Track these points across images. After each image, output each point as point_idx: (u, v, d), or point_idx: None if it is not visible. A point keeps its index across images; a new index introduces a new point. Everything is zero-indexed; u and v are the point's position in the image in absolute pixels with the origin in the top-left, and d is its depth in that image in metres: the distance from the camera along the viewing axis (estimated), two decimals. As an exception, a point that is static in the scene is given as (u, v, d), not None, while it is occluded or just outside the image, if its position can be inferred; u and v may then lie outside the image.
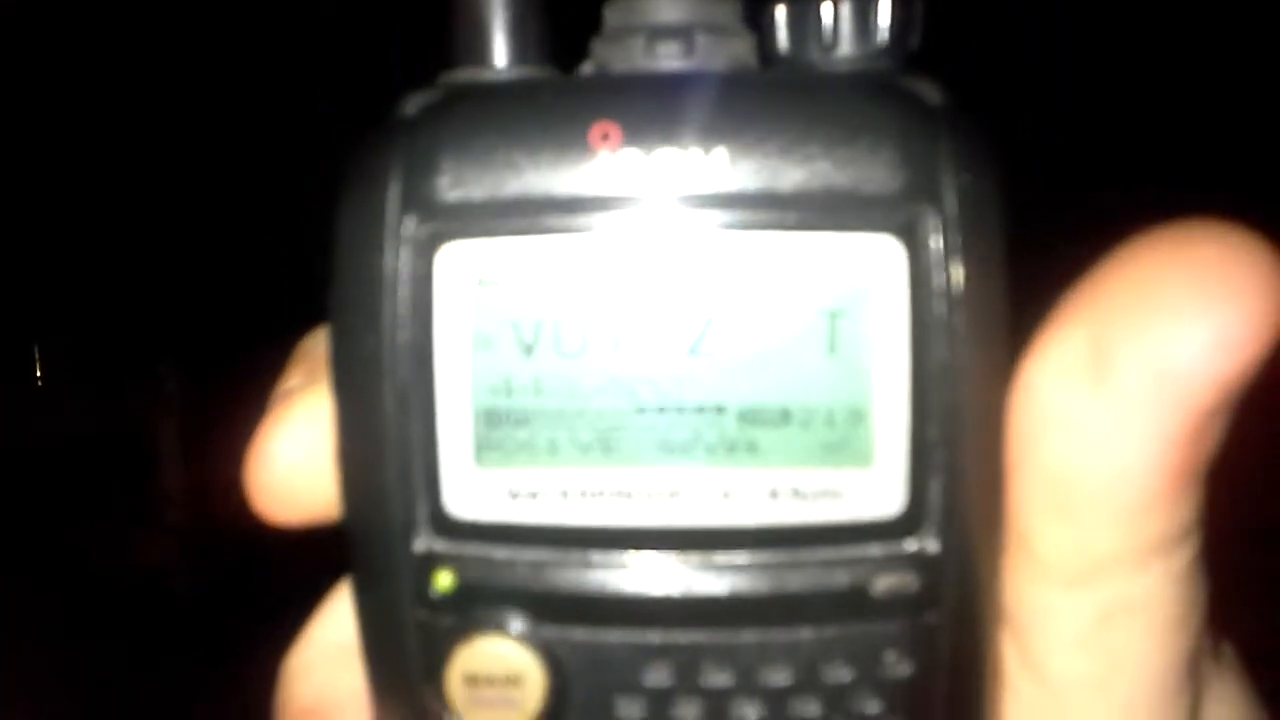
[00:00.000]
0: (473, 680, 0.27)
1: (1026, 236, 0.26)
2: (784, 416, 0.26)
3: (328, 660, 0.30)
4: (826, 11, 0.27)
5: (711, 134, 0.25)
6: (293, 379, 0.30)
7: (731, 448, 0.26)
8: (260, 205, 1.58)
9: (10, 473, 1.60)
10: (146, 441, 1.71)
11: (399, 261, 0.26)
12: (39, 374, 1.69)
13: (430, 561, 0.27)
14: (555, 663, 0.27)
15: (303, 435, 0.29)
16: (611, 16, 0.28)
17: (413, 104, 0.27)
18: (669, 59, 0.27)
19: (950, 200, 0.25)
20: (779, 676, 0.26)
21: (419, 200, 0.26)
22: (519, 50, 0.28)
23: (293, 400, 0.29)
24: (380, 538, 0.27)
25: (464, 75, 0.28)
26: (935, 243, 0.25)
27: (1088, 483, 0.24)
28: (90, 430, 1.70)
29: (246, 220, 1.59)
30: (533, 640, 0.27)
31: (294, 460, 0.29)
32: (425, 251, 0.26)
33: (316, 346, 0.31)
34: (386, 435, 0.26)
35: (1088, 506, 0.24)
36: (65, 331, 1.69)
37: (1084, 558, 0.25)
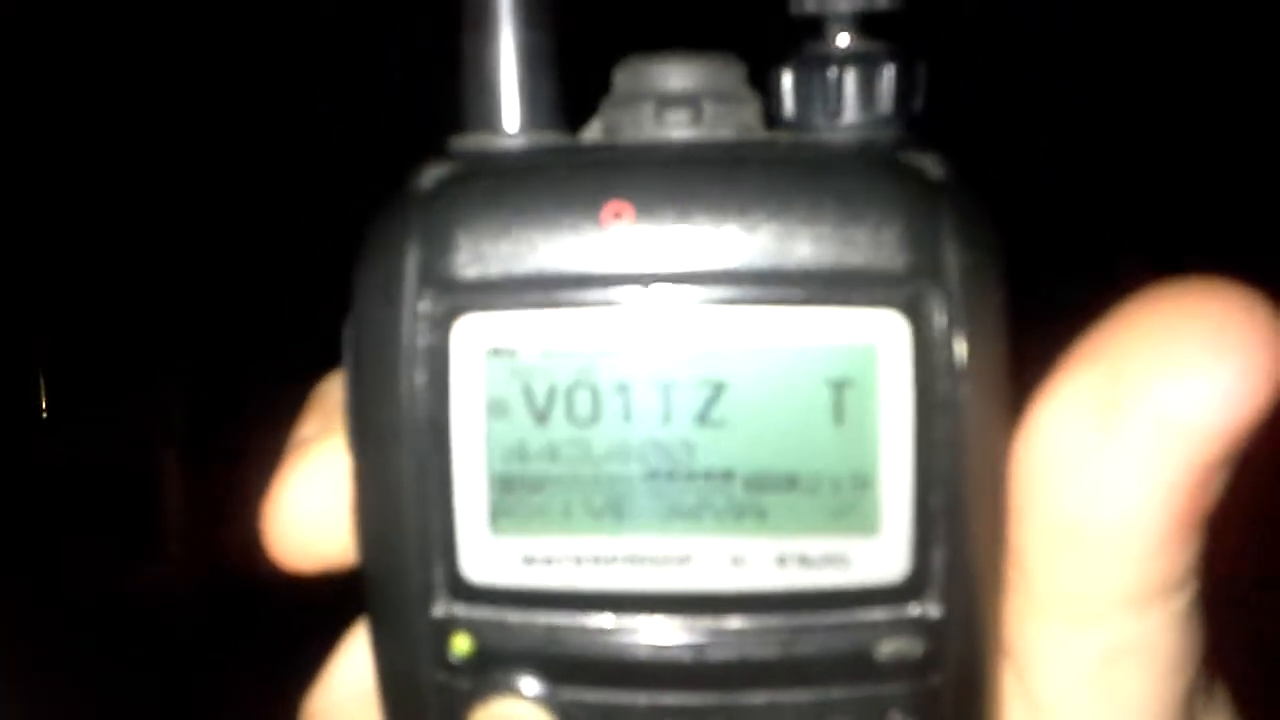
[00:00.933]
0: (490, 741, 0.27)
1: (1026, 297, 0.27)
2: (791, 483, 0.27)
3: (349, 706, 0.31)
4: (831, 78, 0.27)
5: (722, 212, 0.26)
6: (308, 426, 0.31)
7: (740, 514, 0.27)
8: (264, 235, 1.58)
9: (8, 500, 1.60)
10: (147, 471, 1.72)
11: (416, 335, 0.26)
12: (43, 403, 1.69)
13: (448, 625, 0.27)
14: None
15: (320, 484, 0.30)
16: (621, 81, 0.29)
17: (428, 177, 0.27)
18: (678, 127, 0.28)
19: (952, 276, 0.25)
20: None
21: (436, 276, 0.26)
22: (531, 115, 0.29)
23: (309, 449, 0.30)
24: (399, 602, 0.28)
25: (475, 141, 0.29)
26: (938, 318, 0.25)
27: (1094, 526, 0.25)
28: (90, 459, 1.69)
29: (250, 250, 1.60)
30: (548, 702, 0.27)
31: (311, 509, 0.30)
32: (442, 325, 0.26)
33: (331, 393, 0.31)
34: (404, 504, 0.27)
35: (1094, 550, 0.25)
36: (68, 359, 1.69)
37: (1089, 600, 0.26)
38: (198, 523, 1.69)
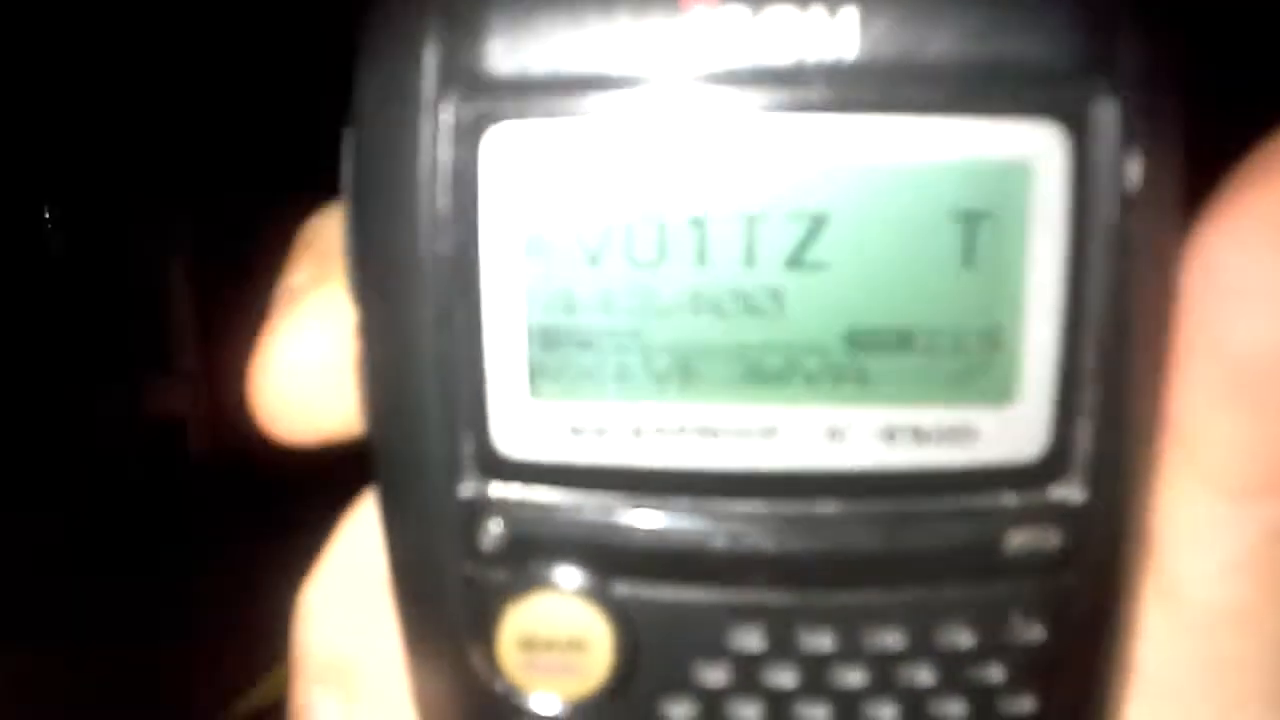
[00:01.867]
0: (529, 643, 0.23)
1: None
2: (903, 341, 0.21)
3: (350, 600, 0.27)
4: None
5: None
6: (299, 273, 0.26)
7: (839, 378, 0.22)
8: (266, 44, 1.50)
9: (16, 323, 1.56)
10: (156, 284, 1.67)
11: (437, 148, 0.21)
12: (48, 222, 1.63)
13: (478, 508, 0.22)
14: (625, 624, 0.23)
15: (314, 340, 0.24)
16: None
17: None
18: None
19: (1130, 75, 0.20)
20: (889, 641, 0.22)
21: (462, 72, 0.20)
22: None
23: (301, 299, 0.25)
24: (418, 480, 0.23)
25: None
26: (1109, 129, 0.20)
27: (1277, 370, 0.21)
28: (98, 275, 1.65)
29: (250, 56, 1.52)
30: (599, 598, 0.23)
31: (306, 371, 0.24)
32: (470, 136, 0.21)
33: (323, 232, 0.26)
34: (423, 362, 0.22)
35: (1273, 398, 0.21)
36: (72, 176, 1.63)
37: (1265, 463, 0.21)
38: (209, 335, 1.67)
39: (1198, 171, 0.21)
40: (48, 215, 1.63)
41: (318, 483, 0.29)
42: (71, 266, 1.65)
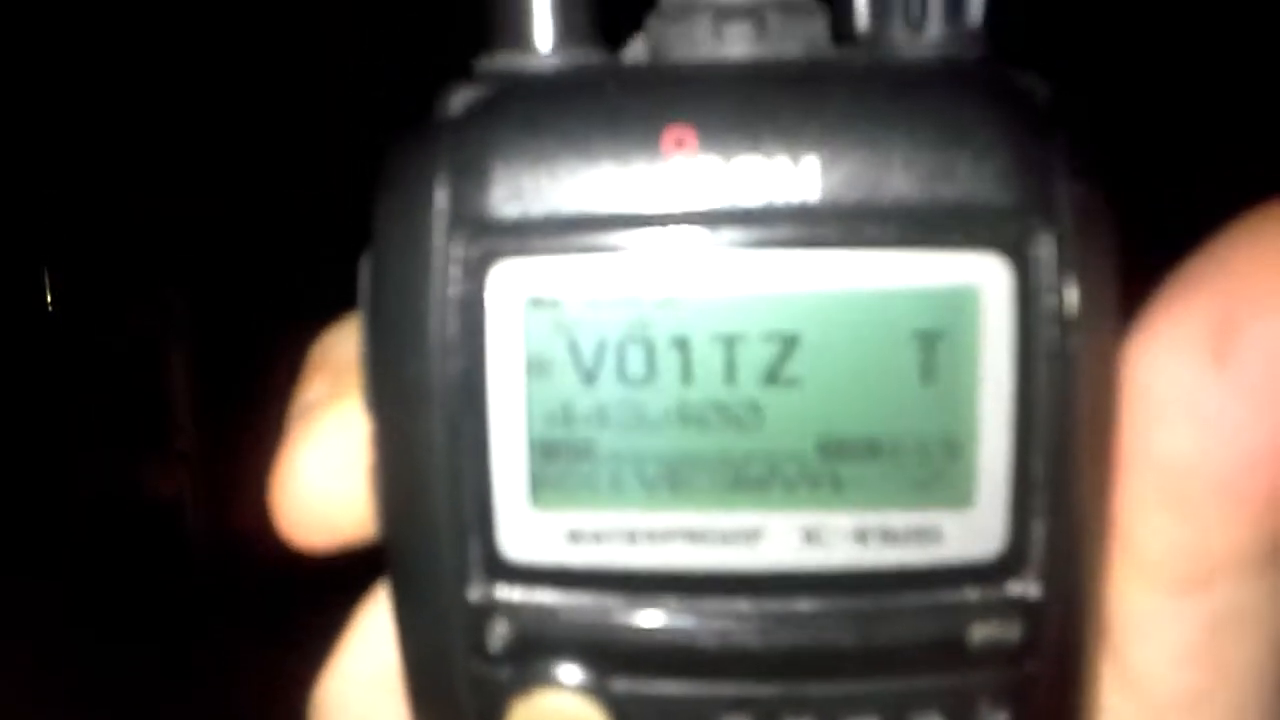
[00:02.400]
0: (533, 737, 0.25)
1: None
2: (873, 449, 0.24)
3: (364, 696, 0.28)
4: None
5: (800, 139, 0.22)
6: (313, 389, 0.28)
7: (815, 484, 0.24)
8: (265, 128, 1.54)
9: (15, 397, 1.57)
10: (155, 366, 1.69)
11: (448, 283, 0.23)
12: (49, 299, 1.66)
13: (484, 609, 0.24)
14: (623, 717, 0.24)
15: (333, 454, 0.26)
16: None
17: (457, 101, 0.24)
18: (739, 43, 0.24)
19: (1064, 213, 0.22)
20: None
21: (469, 215, 0.23)
22: (566, 31, 0.25)
23: (317, 414, 0.27)
24: (429, 583, 0.24)
25: (505, 62, 0.25)
26: (1048, 261, 0.22)
27: (1207, 474, 0.22)
28: (97, 354, 1.67)
29: (253, 144, 1.56)
30: (597, 694, 0.24)
31: (325, 481, 0.26)
32: (477, 271, 0.23)
33: (336, 348, 0.28)
34: (434, 473, 0.24)
35: (1206, 501, 0.23)
36: (72, 255, 1.66)
37: (1198, 560, 0.23)
38: (206, 417, 1.68)
39: (1132, 293, 0.23)
40: (49, 295, 1.65)
41: (316, 569, 0.31)
42: (70, 347, 1.67)
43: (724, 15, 0.24)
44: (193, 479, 1.68)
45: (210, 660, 1.39)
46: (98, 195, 1.60)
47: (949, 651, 0.24)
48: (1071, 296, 0.22)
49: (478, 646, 0.24)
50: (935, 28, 0.24)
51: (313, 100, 1.51)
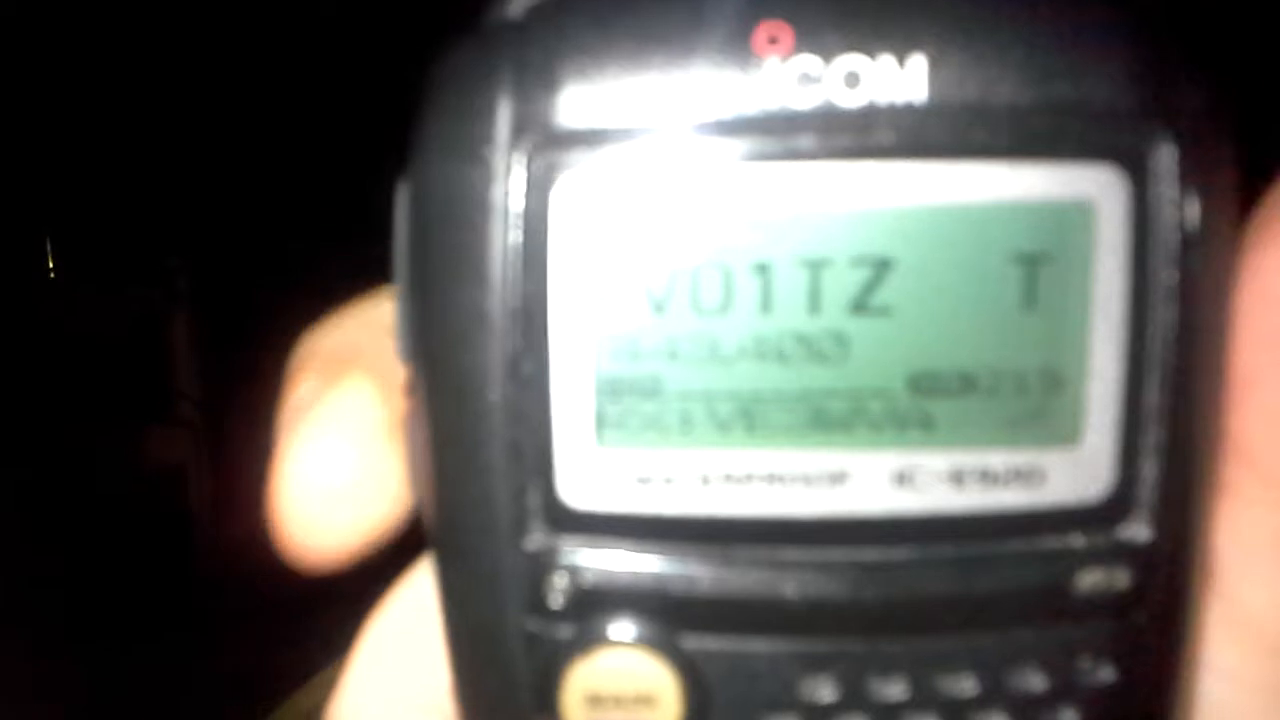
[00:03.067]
0: (596, 700, 0.22)
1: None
2: (967, 384, 0.22)
3: (379, 714, 0.26)
4: None
5: (908, 38, 0.20)
6: (304, 384, 0.25)
7: (904, 423, 0.22)
8: (273, 99, 1.50)
9: (19, 368, 1.53)
10: (158, 335, 1.66)
11: (509, 198, 0.21)
12: (51, 268, 1.62)
13: (544, 561, 0.22)
14: (694, 677, 0.22)
15: (335, 454, 0.24)
16: None
17: (518, 1, 0.21)
18: None
19: (1187, 122, 0.20)
20: (962, 687, 0.22)
21: (534, 124, 0.21)
22: None
23: (310, 410, 0.24)
24: (481, 537, 0.22)
25: None
26: (1168, 173, 0.20)
27: None
28: (100, 325, 1.64)
29: (256, 110, 1.52)
30: (667, 652, 0.22)
31: (329, 481, 0.24)
32: (540, 185, 0.21)
33: (322, 341, 0.25)
34: (488, 412, 0.22)
35: None
36: (75, 225, 1.62)
37: None
38: (209, 386, 1.66)
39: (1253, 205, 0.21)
40: (51, 265, 1.62)
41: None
42: (73, 316, 1.64)
43: None
44: (195, 447, 1.66)
45: (212, 631, 1.37)
46: (100, 165, 1.56)
47: (1051, 602, 0.22)
48: (1193, 211, 0.20)
49: (536, 603, 0.22)
50: None
51: (316, 70, 1.47)
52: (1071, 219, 0.21)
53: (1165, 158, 0.20)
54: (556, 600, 0.22)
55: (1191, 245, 0.21)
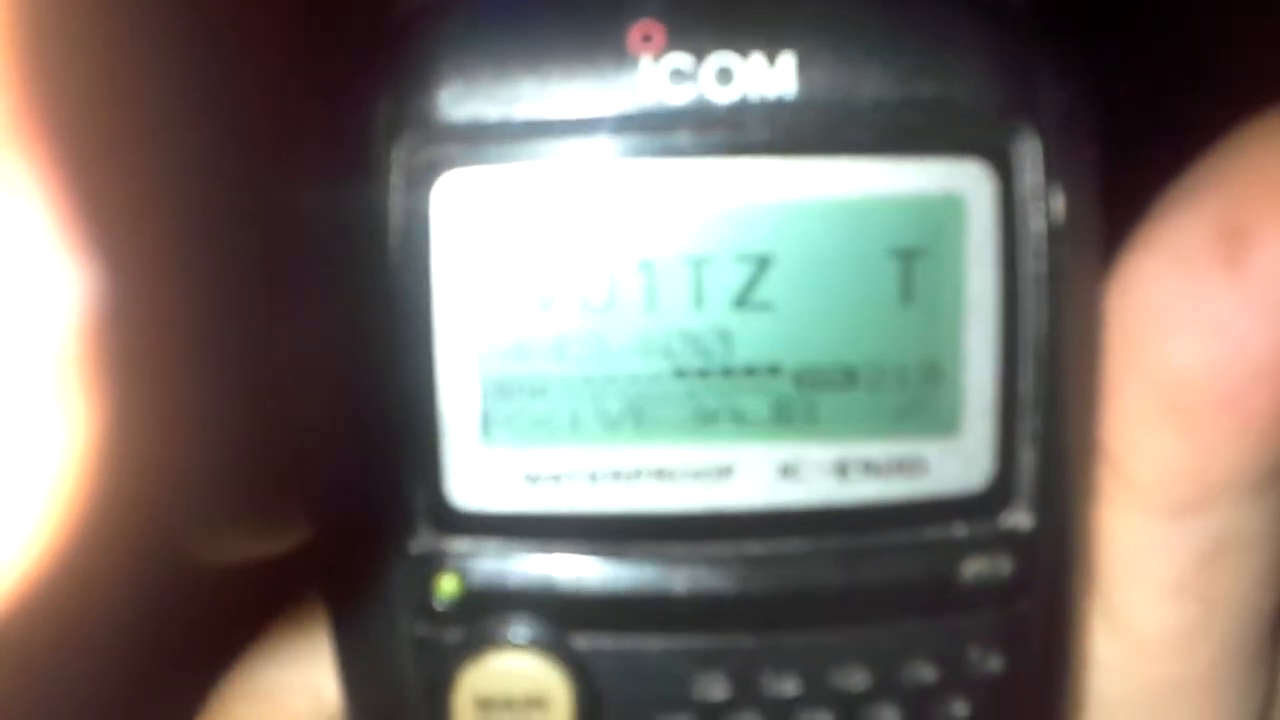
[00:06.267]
0: (486, 704, 0.22)
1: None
2: (849, 377, 0.22)
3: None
4: None
5: (778, 36, 0.21)
6: None
7: (788, 416, 0.22)
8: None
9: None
10: None
11: (388, 195, 0.21)
12: None
13: (431, 564, 0.22)
14: (585, 678, 0.22)
15: None
16: None
17: (401, 7, 0.22)
18: None
19: (1049, 116, 0.21)
20: (854, 681, 0.22)
21: (414, 119, 0.21)
22: None
23: None
24: (366, 539, 0.22)
25: None
26: (1033, 166, 0.21)
27: (1213, 386, 0.21)
28: None
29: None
30: (557, 653, 0.22)
31: None
32: (421, 182, 0.21)
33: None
34: (372, 413, 0.22)
35: (1209, 416, 0.21)
36: None
37: (1195, 481, 0.22)
38: None
39: (1116, 205, 0.22)
40: None
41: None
42: None
43: None
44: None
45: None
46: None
47: (938, 592, 0.22)
48: (1058, 204, 0.21)
49: (423, 606, 0.22)
50: None
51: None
52: (942, 213, 0.21)
53: (1029, 152, 0.21)
54: (443, 602, 0.22)
55: (1057, 237, 0.21)
